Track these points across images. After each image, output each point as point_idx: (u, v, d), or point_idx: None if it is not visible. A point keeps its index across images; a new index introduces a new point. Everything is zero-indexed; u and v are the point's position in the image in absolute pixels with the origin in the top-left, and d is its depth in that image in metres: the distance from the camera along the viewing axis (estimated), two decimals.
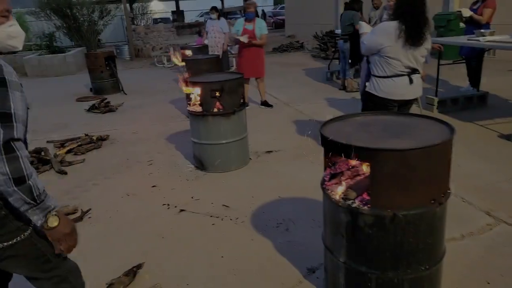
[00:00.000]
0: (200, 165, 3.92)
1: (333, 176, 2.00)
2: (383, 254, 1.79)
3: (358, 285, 1.90)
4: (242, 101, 3.82)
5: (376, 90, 3.08)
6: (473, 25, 5.67)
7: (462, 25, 8.62)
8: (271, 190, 3.41)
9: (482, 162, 3.68)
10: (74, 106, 7.46)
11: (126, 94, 8.15)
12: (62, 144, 4.91)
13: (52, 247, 1.42)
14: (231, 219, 3.00)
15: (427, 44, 3.01)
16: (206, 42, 8.25)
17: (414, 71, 3.05)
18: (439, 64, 5.25)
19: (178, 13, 19.23)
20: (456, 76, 6.82)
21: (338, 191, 1.89)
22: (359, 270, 1.86)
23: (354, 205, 1.79)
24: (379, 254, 1.79)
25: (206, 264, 2.50)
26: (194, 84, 3.68)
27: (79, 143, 4.82)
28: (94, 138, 4.96)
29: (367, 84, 3.21)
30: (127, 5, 15.13)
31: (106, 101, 7.03)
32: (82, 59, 13.69)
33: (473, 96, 5.42)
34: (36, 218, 1.30)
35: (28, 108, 1.42)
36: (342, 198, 1.84)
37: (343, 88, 6.90)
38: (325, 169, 2.10)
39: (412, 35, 2.80)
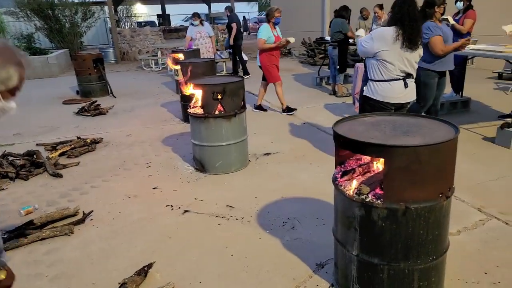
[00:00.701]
0: (201, 167, 3.97)
1: (344, 173, 2.10)
2: (395, 246, 1.90)
3: (370, 276, 2.00)
4: (242, 103, 3.90)
5: (373, 94, 3.23)
6: (455, 34, 5.97)
7: None
8: (273, 190, 3.50)
9: (471, 163, 3.88)
10: (61, 108, 7.36)
11: (115, 97, 8.09)
12: (53, 147, 4.85)
13: None
14: (236, 219, 3.07)
15: (420, 50, 3.20)
16: (194, 47, 8.33)
17: (408, 75, 3.22)
18: None
19: (164, 17, 19.15)
20: None
21: (352, 187, 2.00)
22: (372, 262, 1.97)
23: (367, 200, 1.90)
24: (391, 246, 1.90)
25: (216, 263, 2.55)
26: (196, 86, 3.74)
27: (73, 146, 4.77)
28: (88, 140, 4.93)
29: (364, 88, 3.35)
30: (112, 7, 14.97)
31: (96, 103, 6.97)
32: (65, 61, 13.52)
33: (457, 102, 5.68)
34: None
35: None
36: (356, 193, 1.95)
37: (333, 93, 7.08)
38: (336, 166, 2.19)
39: (409, 39, 2.99)
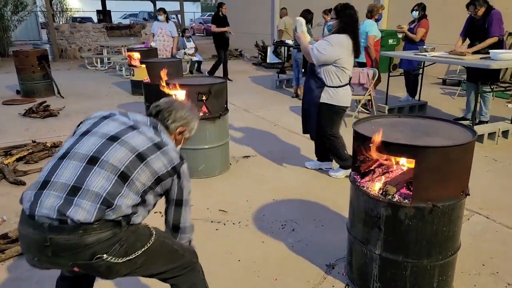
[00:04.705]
0: None
1: (364, 175, 2.13)
2: (420, 243, 1.96)
3: (393, 274, 2.05)
4: (225, 105, 3.80)
5: (334, 100, 3.35)
6: (408, 43, 6.41)
7: (391, 41, 9.63)
8: (263, 193, 3.45)
9: None
10: (2, 110, 6.61)
11: (63, 97, 7.45)
12: (6, 152, 4.33)
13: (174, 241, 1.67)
14: (233, 223, 2.97)
15: None
16: (153, 44, 7.98)
17: (350, 79, 3.47)
18: (389, 76, 5.81)
19: (105, 13, 18.07)
20: (394, 87, 7.57)
21: (376, 187, 2.03)
22: (396, 260, 2.01)
23: (395, 200, 1.94)
24: (416, 243, 1.96)
25: (225, 269, 2.44)
26: (180, 86, 3.56)
27: (31, 150, 4.30)
28: (48, 144, 4.47)
29: (322, 95, 3.37)
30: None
31: (45, 104, 6.35)
32: None
33: (415, 105, 6.09)
34: None
35: None
36: (382, 194, 1.98)
37: (296, 95, 7.20)
38: (353, 168, 2.21)
39: (357, 48, 3.27)
